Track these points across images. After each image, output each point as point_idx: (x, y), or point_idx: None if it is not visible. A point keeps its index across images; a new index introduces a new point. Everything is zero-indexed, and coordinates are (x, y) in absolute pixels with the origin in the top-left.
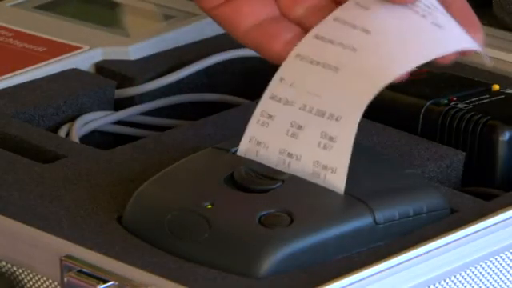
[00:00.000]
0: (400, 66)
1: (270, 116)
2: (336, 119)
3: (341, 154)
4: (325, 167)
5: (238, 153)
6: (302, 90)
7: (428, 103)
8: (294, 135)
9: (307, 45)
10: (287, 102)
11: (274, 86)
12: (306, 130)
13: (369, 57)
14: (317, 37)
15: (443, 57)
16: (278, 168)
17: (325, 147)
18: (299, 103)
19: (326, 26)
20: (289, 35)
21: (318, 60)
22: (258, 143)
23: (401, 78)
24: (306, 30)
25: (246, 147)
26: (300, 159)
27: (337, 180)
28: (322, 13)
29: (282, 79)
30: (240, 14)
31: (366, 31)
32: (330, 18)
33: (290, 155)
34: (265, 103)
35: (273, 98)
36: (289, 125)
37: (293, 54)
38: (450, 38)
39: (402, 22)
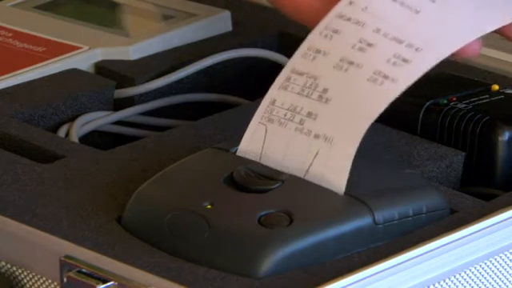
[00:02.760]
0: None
1: (336, 30)
2: (416, 49)
3: (409, 73)
4: (386, 77)
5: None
6: (376, 16)
7: (428, 103)
8: (361, 49)
9: None
10: (358, 22)
11: (342, 7)
12: (377, 47)
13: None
14: None
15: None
16: (332, 73)
17: (394, 64)
18: (372, 26)
19: None
20: None
21: None
22: (317, 51)
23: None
24: None
25: (302, 52)
26: (361, 67)
27: (393, 90)
28: None
29: (351, 3)
30: None
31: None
32: None
33: (350, 63)
34: (330, 20)
35: (340, 16)
36: (357, 40)
37: None
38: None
39: None
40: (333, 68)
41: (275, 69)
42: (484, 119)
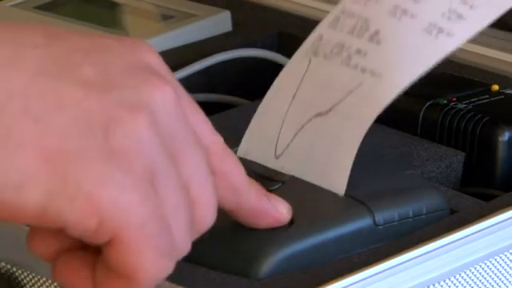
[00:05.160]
0: None
1: None
2: (470, 6)
3: (464, 29)
4: (441, 30)
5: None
6: None
7: (428, 103)
8: (415, 1)
9: None
10: None
11: None
12: (431, 0)
13: None
14: None
15: None
16: (384, 18)
17: (449, 19)
18: None
19: None
20: None
21: None
22: None
23: None
24: None
25: None
26: (415, 17)
27: (448, 44)
28: None
29: None
30: None
31: None
32: None
33: (404, 11)
34: None
35: None
36: None
37: None
38: None
39: None
40: (385, 13)
41: (275, 69)
42: (484, 119)
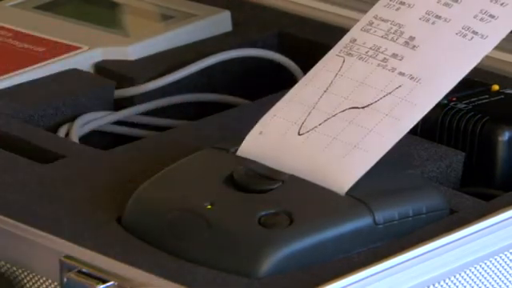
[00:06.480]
0: None
1: None
2: (501, 4)
3: (497, 30)
4: (475, 32)
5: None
6: None
7: None
8: (446, 4)
9: None
10: None
11: None
12: (462, 3)
13: None
14: None
15: None
16: (418, 24)
17: (482, 20)
18: None
19: None
20: None
21: None
22: (401, 3)
23: None
24: None
25: (384, 3)
26: (449, 21)
27: (484, 46)
28: None
29: None
30: None
31: None
32: None
33: (437, 17)
34: None
35: None
36: None
37: None
38: None
39: None
40: (419, 19)
41: (275, 69)
42: (484, 119)
